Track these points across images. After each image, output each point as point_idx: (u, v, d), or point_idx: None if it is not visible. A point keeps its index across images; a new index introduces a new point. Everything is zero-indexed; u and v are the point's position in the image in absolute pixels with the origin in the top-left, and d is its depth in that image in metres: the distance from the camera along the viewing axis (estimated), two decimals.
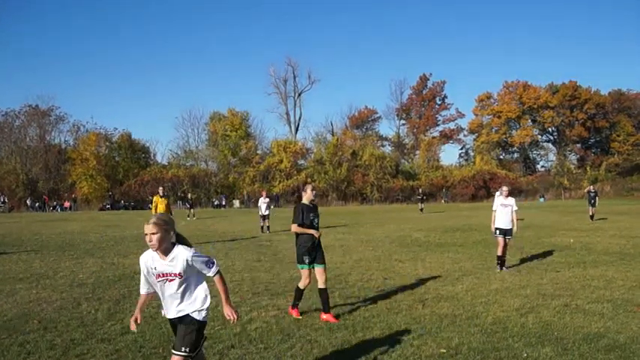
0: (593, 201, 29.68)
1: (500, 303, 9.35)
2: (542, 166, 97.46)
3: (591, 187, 32.56)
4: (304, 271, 8.57)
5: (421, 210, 43.06)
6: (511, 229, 13.57)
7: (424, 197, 47.35)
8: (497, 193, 14.48)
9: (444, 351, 6.77)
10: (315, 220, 8.74)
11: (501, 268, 13.03)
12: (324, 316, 8.39)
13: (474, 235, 21.62)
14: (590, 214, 29.32)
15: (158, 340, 7.32)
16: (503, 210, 13.60)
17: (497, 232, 13.54)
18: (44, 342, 7.31)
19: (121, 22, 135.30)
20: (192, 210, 41.65)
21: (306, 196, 8.88)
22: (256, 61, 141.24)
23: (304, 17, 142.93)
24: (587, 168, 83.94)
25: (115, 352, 6.85)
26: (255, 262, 14.99)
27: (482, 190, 74.76)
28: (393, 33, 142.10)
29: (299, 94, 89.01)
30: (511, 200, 13.77)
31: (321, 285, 8.48)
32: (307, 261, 8.50)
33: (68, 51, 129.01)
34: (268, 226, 25.65)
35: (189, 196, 48.84)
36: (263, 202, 26.13)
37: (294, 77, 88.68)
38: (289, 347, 7.00)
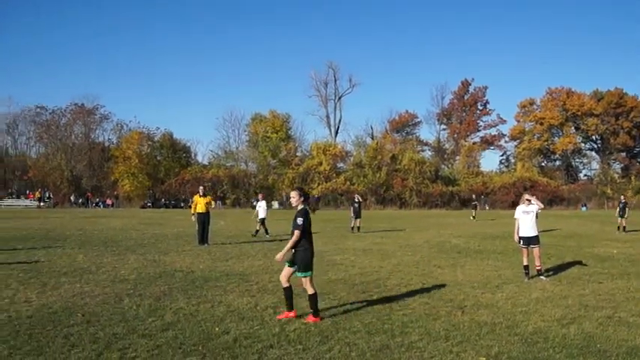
0: (622, 212, 28.77)
1: (541, 313, 9.22)
2: (585, 175, 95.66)
3: (622, 197, 31.74)
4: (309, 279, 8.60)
5: (473, 217, 41.32)
6: (536, 237, 13.25)
7: (477, 204, 45.36)
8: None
9: (484, 359, 6.71)
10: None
11: (529, 278, 12.80)
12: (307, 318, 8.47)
13: (514, 243, 21.29)
14: (620, 224, 28.38)
15: (198, 338, 7.40)
16: (526, 217, 13.32)
17: (522, 241, 13.29)
18: (87, 335, 7.46)
19: (164, 24, 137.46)
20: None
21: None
22: (298, 64, 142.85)
23: (346, 21, 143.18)
24: (632, 177, 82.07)
25: (155, 348, 6.95)
26: None
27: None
28: (435, 37, 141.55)
29: (339, 98, 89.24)
30: (533, 207, 13.47)
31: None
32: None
33: (114, 52, 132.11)
34: (266, 229, 24.30)
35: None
36: (259, 206, 25.22)
37: (335, 80, 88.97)
38: (328, 349, 7.02)
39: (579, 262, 15.70)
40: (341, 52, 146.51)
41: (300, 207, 8.65)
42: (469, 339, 7.55)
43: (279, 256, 8.58)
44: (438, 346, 7.21)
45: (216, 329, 7.86)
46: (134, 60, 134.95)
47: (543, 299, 10.42)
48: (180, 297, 10.15)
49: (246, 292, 10.81)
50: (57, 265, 14.13)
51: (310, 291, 8.55)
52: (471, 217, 41.66)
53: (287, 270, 8.78)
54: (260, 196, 27.66)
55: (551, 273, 13.65)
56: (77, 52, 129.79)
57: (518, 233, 13.38)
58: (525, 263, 13.04)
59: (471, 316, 8.94)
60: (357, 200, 28.86)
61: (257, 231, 24.39)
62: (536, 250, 13.24)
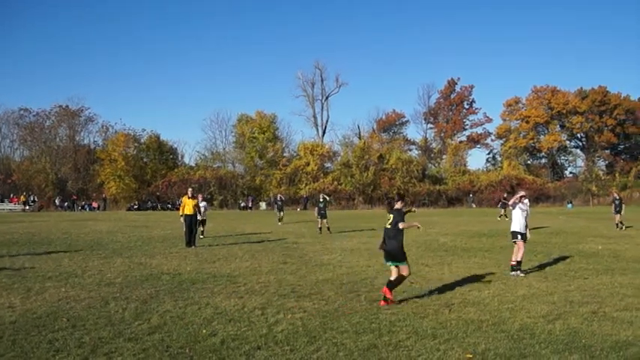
0: (618, 208, 28.88)
1: (527, 309, 9.27)
2: (571, 172, 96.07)
3: (615, 194, 31.83)
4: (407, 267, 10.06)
5: (503, 216, 37.85)
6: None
7: (506, 203, 42.36)
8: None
9: (471, 356, 6.74)
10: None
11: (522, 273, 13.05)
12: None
13: (500, 241, 21.43)
14: (616, 221, 28.50)
15: (185, 340, 7.38)
16: (524, 214, 13.59)
17: (519, 236, 13.52)
18: (73, 340, 7.42)
19: (149, 25, 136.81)
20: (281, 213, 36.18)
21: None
22: (284, 64, 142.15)
23: (332, 21, 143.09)
24: (616, 174, 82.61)
25: (142, 351, 6.93)
26: (282, 264, 15.03)
27: (510, 196, 74.00)
28: (421, 37, 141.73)
29: (326, 97, 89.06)
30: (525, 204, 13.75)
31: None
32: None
33: (99, 53, 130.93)
34: (202, 231, 23.53)
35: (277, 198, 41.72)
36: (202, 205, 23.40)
37: (322, 80, 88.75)
38: (315, 350, 7.02)
39: (565, 259, 15.81)
40: (327, 52, 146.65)
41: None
42: (456, 336, 7.58)
43: (403, 225, 10.08)
44: (426, 344, 7.24)
45: (204, 331, 7.83)
46: (119, 61, 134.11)
47: (529, 296, 10.48)
48: (167, 299, 10.11)
49: (234, 293, 10.78)
50: (42, 269, 14.01)
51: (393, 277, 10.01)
52: (499, 217, 38.73)
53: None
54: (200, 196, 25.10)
55: (537, 270, 13.73)
56: (62, 53, 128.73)
57: (517, 228, 13.55)
58: (519, 259, 13.18)
59: (458, 313, 8.98)
60: (321, 200, 27.69)
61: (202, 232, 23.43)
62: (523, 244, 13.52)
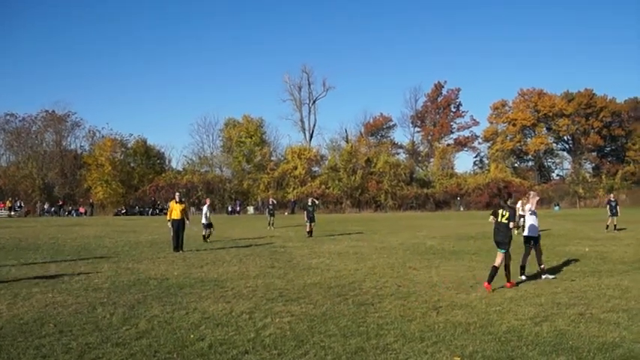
0: (614, 210, 28.92)
1: (515, 311, 9.31)
2: (557, 175, 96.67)
3: (611, 196, 31.83)
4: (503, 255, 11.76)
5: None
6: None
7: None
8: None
9: (458, 359, 6.76)
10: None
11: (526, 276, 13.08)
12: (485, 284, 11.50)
13: (488, 243, 21.46)
14: (611, 223, 28.35)
15: (173, 345, 7.36)
16: (535, 217, 13.57)
17: (532, 241, 13.44)
18: (60, 345, 7.38)
19: (136, 29, 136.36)
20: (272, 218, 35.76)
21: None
22: (271, 68, 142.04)
23: (319, 24, 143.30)
24: (603, 176, 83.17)
25: (129, 357, 6.90)
26: (269, 269, 15.02)
27: (497, 198, 74.20)
28: (408, 40, 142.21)
29: (314, 101, 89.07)
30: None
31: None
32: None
33: (85, 57, 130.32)
34: (209, 234, 24.52)
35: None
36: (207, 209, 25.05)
37: (309, 84, 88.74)
38: (303, 353, 7.02)
39: (552, 261, 15.87)
40: (315, 56, 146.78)
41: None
42: (444, 339, 7.60)
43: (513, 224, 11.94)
44: (413, 347, 7.25)
45: (191, 336, 7.81)
46: (106, 66, 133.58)
47: (517, 298, 10.53)
48: (154, 304, 10.08)
49: (222, 298, 10.76)
50: (28, 275, 13.90)
51: (497, 263, 11.71)
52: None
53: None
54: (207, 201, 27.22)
55: (525, 272, 13.80)
56: (47, 58, 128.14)
57: (529, 232, 13.51)
58: (523, 263, 13.27)
59: (445, 316, 9.00)
60: (310, 204, 28.07)
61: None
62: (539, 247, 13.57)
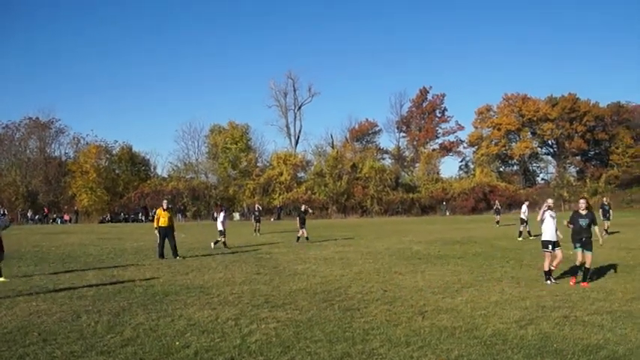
0: (607, 214, 28.92)
1: (500, 315, 9.36)
2: (542, 179, 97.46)
3: (605, 199, 31.81)
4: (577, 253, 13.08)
5: (497, 223, 40.35)
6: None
7: (500, 209, 44.99)
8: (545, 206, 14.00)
9: None
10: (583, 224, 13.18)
11: (551, 281, 13.07)
12: (582, 284, 12.59)
13: (473, 248, 21.62)
14: (605, 227, 28.24)
15: (158, 353, 7.32)
16: (553, 222, 13.58)
17: (550, 246, 13.40)
18: (44, 354, 7.31)
19: (121, 35, 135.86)
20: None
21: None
22: (257, 74, 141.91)
23: (304, 30, 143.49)
24: (587, 180, 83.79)
25: None
26: (255, 275, 14.98)
27: (482, 203, 74.67)
28: (393, 46, 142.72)
29: (299, 107, 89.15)
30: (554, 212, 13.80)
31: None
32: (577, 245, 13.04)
33: (69, 64, 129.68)
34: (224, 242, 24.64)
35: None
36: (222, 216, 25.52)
37: (295, 90, 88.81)
38: (289, 359, 7.01)
39: (537, 265, 15.94)
40: (300, 62, 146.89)
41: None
42: (429, 344, 7.62)
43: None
44: (399, 352, 7.27)
45: (177, 343, 7.78)
46: (90, 73, 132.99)
47: (502, 302, 10.58)
48: (139, 312, 10.02)
49: (207, 304, 10.72)
50: (12, 283, 13.77)
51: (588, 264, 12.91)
52: (497, 223, 40.47)
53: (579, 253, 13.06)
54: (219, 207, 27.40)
55: (509, 276, 13.86)
56: (31, 64, 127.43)
57: (547, 237, 13.50)
58: (547, 269, 13.20)
59: (431, 321, 9.02)
60: (302, 210, 28.49)
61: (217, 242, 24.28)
62: (560, 252, 13.54)
